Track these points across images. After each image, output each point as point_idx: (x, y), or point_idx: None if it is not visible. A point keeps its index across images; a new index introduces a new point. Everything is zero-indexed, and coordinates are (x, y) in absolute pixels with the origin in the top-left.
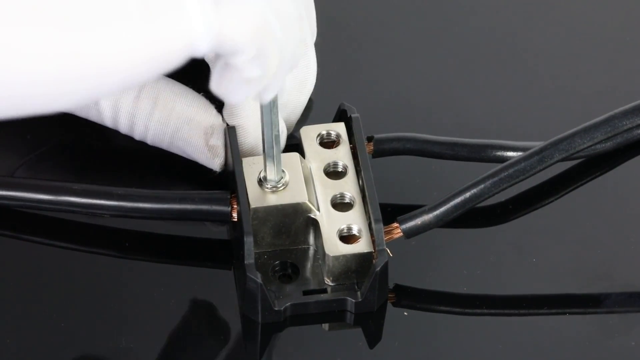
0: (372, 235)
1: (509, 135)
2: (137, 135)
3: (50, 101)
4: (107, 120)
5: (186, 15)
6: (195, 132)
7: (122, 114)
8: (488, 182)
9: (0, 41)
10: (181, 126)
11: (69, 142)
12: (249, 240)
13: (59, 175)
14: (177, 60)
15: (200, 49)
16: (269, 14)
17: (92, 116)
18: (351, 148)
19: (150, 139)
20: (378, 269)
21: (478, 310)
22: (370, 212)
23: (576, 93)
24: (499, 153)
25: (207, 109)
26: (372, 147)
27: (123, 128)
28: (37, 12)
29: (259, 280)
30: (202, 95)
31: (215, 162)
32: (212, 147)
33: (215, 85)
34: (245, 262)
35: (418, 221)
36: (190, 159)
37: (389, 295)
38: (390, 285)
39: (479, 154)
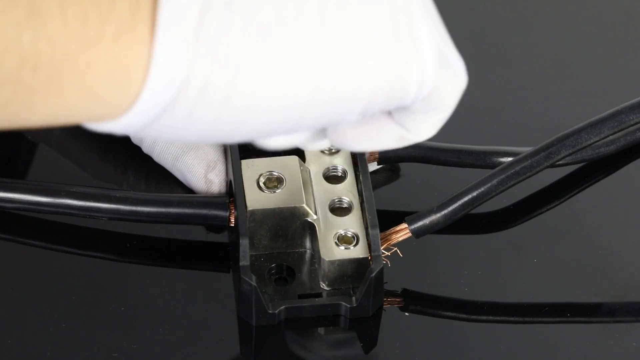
0: (368, 240)
1: (513, 140)
2: (145, 148)
3: (280, 128)
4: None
5: (421, 62)
6: (198, 162)
7: None
8: (495, 180)
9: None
10: (187, 151)
11: None
12: (244, 242)
13: (90, 138)
14: (402, 99)
15: (417, 97)
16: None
17: None
18: (351, 153)
19: (155, 156)
20: (373, 274)
21: (478, 312)
22: (367, 217)
23: (580, 95)
24: (504, 159)
25: (216, 144)
26: (377, 154)
27: (133, 137)
28: (299, 38)
29: (253, 282)
30: None
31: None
32: (209, 181)
33: (359, 135)
34: (240, 264)
35: (426, 221)
36: (187, 185)
37: (390, 298)
38: (391, 287)
39: (484, 160)
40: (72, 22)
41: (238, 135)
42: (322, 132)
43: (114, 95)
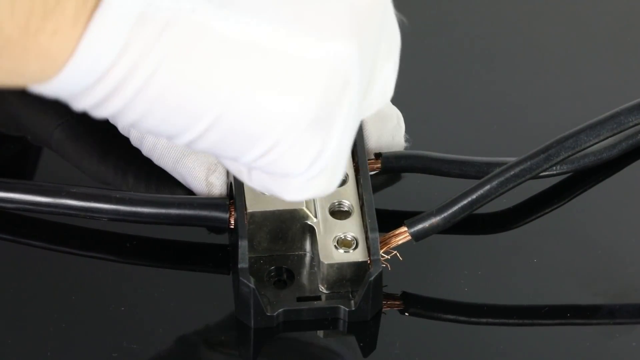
0: (367, 244)
1: (514, 144)
2: (145, 150)
3: (180, 136)
4: (120, 126)
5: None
6: (198, 164)
7: None
8: (494, 182)
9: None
10: (187, 154)
11: None
12: (243, 245)
13: (90, 140)
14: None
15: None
16: None
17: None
18: (352, 155)
19: (156, 158)
20: (372, 278)
21: (478, 314)
22: (367, 221)
23: (579, 97)
24: None
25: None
26: (379, 165)
27: (133, 140)
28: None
29: (252, 284)
30: None
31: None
32: (210, 183)
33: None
34: (238, 266)
35: (426, 224)
36: (189, 188)
37: (390, 302)
38: (391, 290)
39: (486, 172)
40: (18, 13)
41: (143, 125)
42: None
43: (38, 77)
